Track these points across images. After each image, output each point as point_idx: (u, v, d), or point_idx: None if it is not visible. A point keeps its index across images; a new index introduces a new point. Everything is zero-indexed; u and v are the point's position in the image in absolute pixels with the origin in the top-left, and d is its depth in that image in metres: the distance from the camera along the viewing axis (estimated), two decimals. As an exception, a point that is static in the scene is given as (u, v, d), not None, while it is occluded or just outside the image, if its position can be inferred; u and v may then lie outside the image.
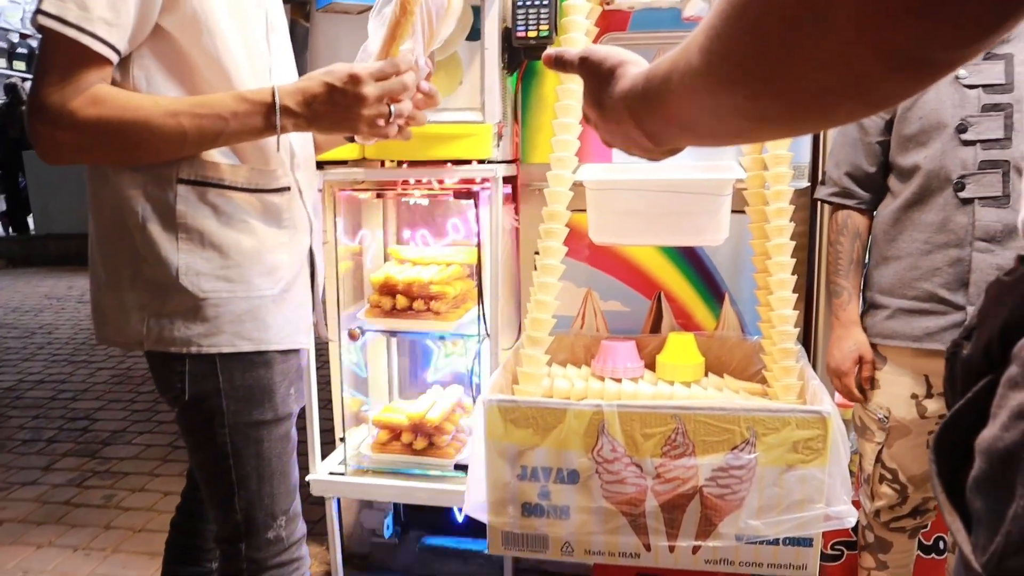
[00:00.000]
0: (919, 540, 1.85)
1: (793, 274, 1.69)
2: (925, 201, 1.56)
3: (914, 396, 1.64)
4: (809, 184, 1.89)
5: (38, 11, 0.96)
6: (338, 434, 2.03)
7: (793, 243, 1.69)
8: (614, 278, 1.99)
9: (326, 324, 1.64)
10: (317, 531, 2.27)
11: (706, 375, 1.82)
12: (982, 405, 0.48)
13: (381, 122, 1.10)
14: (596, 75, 0.63)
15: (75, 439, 3.45)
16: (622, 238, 1.77)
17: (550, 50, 0.75)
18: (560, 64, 0.70)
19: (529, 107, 1.94)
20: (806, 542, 1.50)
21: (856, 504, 1.61)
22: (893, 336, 1.64)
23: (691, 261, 1.96)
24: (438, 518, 2.24)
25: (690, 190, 1.64)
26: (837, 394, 1.76)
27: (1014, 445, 0.43)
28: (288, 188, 1.18)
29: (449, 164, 1.77)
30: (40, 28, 0.96)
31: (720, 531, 1.48)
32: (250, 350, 1.13)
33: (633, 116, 0.58)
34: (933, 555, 1.93)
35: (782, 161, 1.68)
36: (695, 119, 0.51)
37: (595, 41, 1.74)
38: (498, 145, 1.77)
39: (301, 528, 1.27)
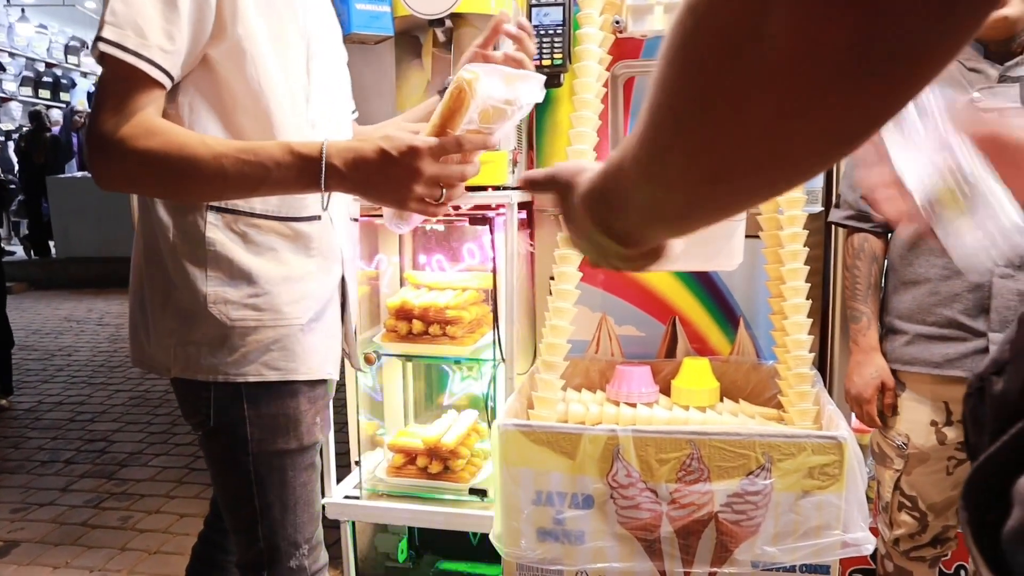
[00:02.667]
0: (940, 569, 1.82)
1: (808, 298, 1.69)
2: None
3: (933, 423, 1.62)
4: (823, 208, 1.89)
5: (98, 39, 0.97)
6: (353, 457, 2.03)
7: (807, 267, 1.70)
8: (629, 303, 2.00)
9: (360, 355, 1.59)
10: (332, 554, 2.26)
11: (721, 400, 1.81)
12: (1018, 446, 0.44)
13: (431, 203, 1.03)
14: (560, 190, 0.60)
15: (92, 460, 3.48)
16: (636, 263, 1.77)
17: (524, 174, 0.75)
18: (532, 185, 0.67)
19: (543, 133, 1.96)
20: (823, 569, 1.49)
21: (874, 531, 1.59)
22: (913, 362, 1.63)
23: (706, 286, 1.97)
24: (453, 542, 2.24)
25: (704, 215, 1.65)
26: (854, 418, 1.75)
27: None
28: (319, 216, 1.16)
29: (464, 190, 1.79)
30: (100, 56, 0.98)
31: (736, 557, 1.47)
32: (277, 380, 1.12)
33: (596, 220, 0.53)
34: (953, 584, 1.90)
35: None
36: (657, 200, 0.45)
37: (608, 68, 1.77)
38: (513, 171, 1.79)
39: (323, 557, 1.26)
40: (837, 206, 1.74)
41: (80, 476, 3.30)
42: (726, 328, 1.97)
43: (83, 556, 2.60)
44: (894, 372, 1.67)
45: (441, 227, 2.09)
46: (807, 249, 1.69)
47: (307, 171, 1.00)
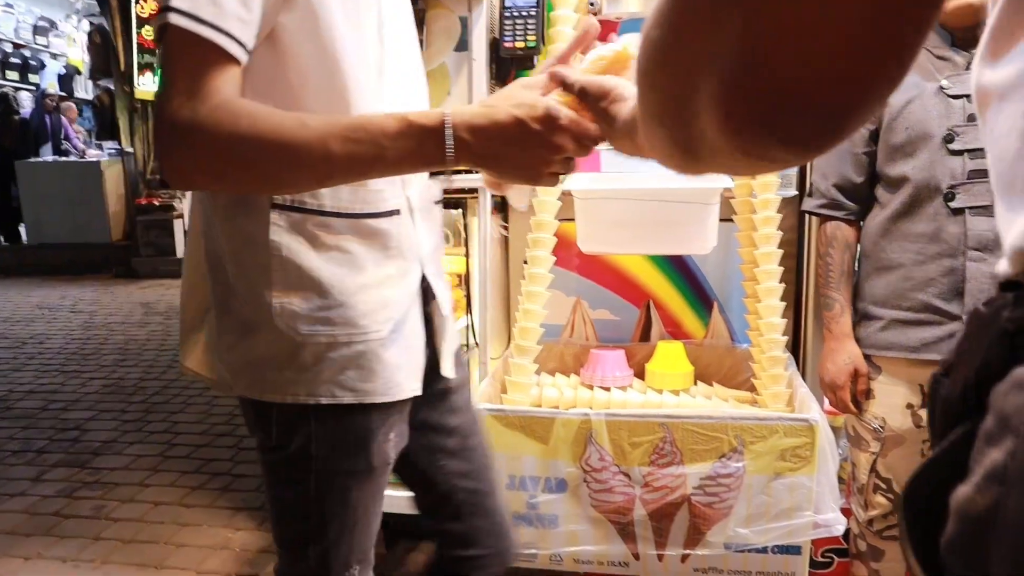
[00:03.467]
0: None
1: (781, 282, 1.70)
2: (915, 211, 1.56)
3: (909, 406, 1.64)
4: (797, 193, 1.90)
5: (167, 9, 0.83)
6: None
7: (781, 251, 1.70)
8: (603, 287, 1.99)
9: (463, 360, 1.30)
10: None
11: (695, 383, 1.82)
12: (959, 454, 0.44)
13: (558, 176, 0.90)
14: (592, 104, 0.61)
15: (65, 449, 3.43)
16: (611, 247, 1.77)
17: (559, 71, 0.75)
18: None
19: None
20: (795, 550, 1.50)
21: (846, 512, 1.61)
22: (889, 347, 1.64)
23: (680, 270, 1.97)
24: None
25: (678, 199, 1.65)
26: (827, 402, 1.76)
27: (987, 511, 0.40)
28: (397, 211, 1.00)
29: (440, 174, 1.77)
30: (165, 29, 0.84)
31: (708, 539, 1.48)
32: (351, 402, 0.99)
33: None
34: (923, 563, 1.93)
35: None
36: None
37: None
38: (487, 155, 1.77)
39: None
40: (810, 195, 1.75)
41: (52, 466, 3.25)
42: (700, 312, 1.98)
43: (56, 546, 2.57)
44: (869, 357, 1.68)
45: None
46: (780, 233, 1.69)
47: (427, 144, 0.86)
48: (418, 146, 0.86)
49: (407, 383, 1.03)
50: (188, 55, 0.84)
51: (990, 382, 0.42)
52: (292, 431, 1.00)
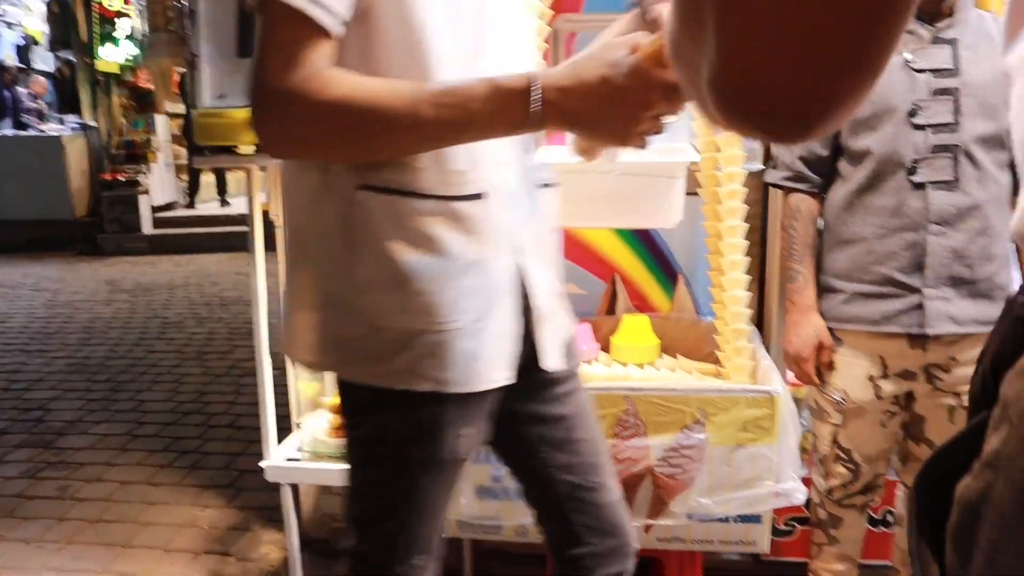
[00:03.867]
0: (869, 515, 1.89)
1: (746, 255, 1.71)
2: (878, 185, 1.58)
3: (870, 378, 1.66)
4: (763, 166, 1.90)
5: None
6: (294, 420, 2.01)
7: (746, 225, 1.71)
8: (569, 261, 1.99)
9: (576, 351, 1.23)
10: (274, 517, 2.26)
11: (661, 356, 1.83)
12: (968, 443, 0.44)
13: (647, 137, 0.88)
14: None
15: (28, 430, 3.38)
16: (577, 221, 1.77)
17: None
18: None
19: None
20: (756, 519, 1.53)
21: (807, 481, 1.64)
22: (851, 320, 1.66)
23: (646, 243, 1.97)
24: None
25: (644, 173, 1.65)
26: (790, 373, 1.78)
27: (978, 496, 0.40)
28: (481, 194, 0.97)
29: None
30: (262, 4, 0.86)
31: (671, 509, 1.50)
32: (426, 390, 0.97)
33: None
34: (881, 528, 1.98)
35: (734, 143, 1.69)
36: None
37: (549, 23, 1.73)
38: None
39: (433, 566, 1.14)
40: (774, 167, 1.75)
41: (15, 447, 3.21)
42: (666, 285, 1.99)
43: (19, 528, 2.54)
44: (831, 330, 1.70)
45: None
46: (746, 206, 1.70)
47: (515, 106, 0.85)
48: (506, 108, 0.85)
49: (487, 373, 1.00)
50: (285, 28, 0.85)
51: (1004, 369, 0.42)
52: (367, 413, 1.02)
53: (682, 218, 1.71)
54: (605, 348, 1.85)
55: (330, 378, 2.15)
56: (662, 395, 1.44)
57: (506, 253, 1.01)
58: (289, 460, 1.96)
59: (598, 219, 1.75)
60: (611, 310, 1.98)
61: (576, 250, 1.98)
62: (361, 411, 1.03)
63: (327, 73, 0.86)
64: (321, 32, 0.86)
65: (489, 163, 0.97)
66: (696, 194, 1.79)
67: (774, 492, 1.47)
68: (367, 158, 0.93)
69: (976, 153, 1.56)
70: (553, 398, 1.14)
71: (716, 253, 1.75)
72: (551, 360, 1.07)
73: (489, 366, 1.00)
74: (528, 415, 1.13)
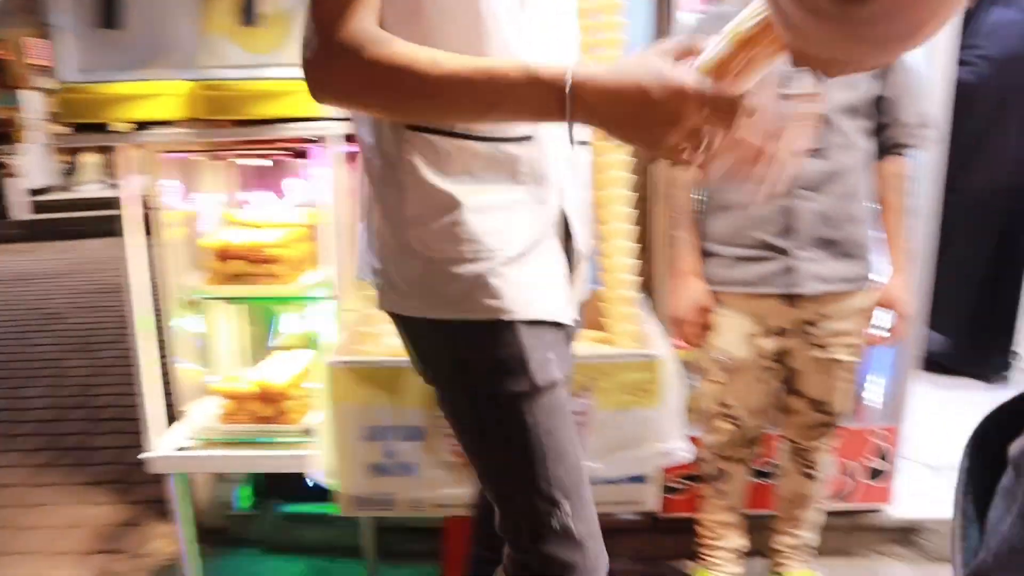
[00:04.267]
0: (752, 467, 1.99)
1: (632, 223, 1.74)
2: None
3: (750, 336, 1.74)
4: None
5: None
6: (179, 408, 1.94)
7: (631, 193, 1.74)
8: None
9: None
10: (165, 509, 2.18)
11: (552, 326, 1.85)
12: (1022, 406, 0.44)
13: (685, 152, 0.86)
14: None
15: None
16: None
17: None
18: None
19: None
20: (642, 479, 1.58)
21: (695, 440, 1.70)
22: (731, 283, 1.73)
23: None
24: (300, 485, 2.20)
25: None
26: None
27: None
28: (530, 137, 1.00)
29: (281, 123, 1.69)
30: None
31: (563, 475, 1.52)
32: (483, 319, 0.99)
33: None
34: (764, 479, 2.09)
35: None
36: None
37: None
38: (332, 101, 1.70)
39: (594, 521, 1.09)
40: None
41: None
42: (557, 256, 2.00)
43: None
44: (713, 293, 1.77)
45: (264, 162, 1.98)
46: (631, 175, 1.73)
47: (547, 98, 0.85)
48: (537, 98, 0.86)
49: (546, 305, 1.02)
50: None
51: None
52: (437, 353, 1.04)
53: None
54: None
55: (221, 361, 2.08)
56: (549, 363, 1.45)
57: (553, 194, 1.04)
58: (180, 450, 1.90)
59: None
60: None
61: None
62: (427, 352, 1.05)
63: (376, 31, 0.88)
64: None
65: None
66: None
67: (660, 452, 1.52)
68: (397, 119, 0.97)
69: (839, 121, 1.64)
70: (568, 356, 1.16)
71: (601, 222, 1.78)
72: (574, 311, 1.12)
73: (545, 297, 1.03)
74: None
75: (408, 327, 1.06)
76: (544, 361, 1.01)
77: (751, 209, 1.67)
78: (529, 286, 1.01)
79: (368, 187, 1.04)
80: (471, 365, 1.02)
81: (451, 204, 0.97)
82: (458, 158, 0.97)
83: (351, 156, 1.91)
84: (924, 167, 1.99)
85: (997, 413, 0.47)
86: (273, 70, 1.64)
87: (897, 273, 1.74)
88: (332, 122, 1.71)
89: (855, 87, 1.64)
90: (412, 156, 0.97)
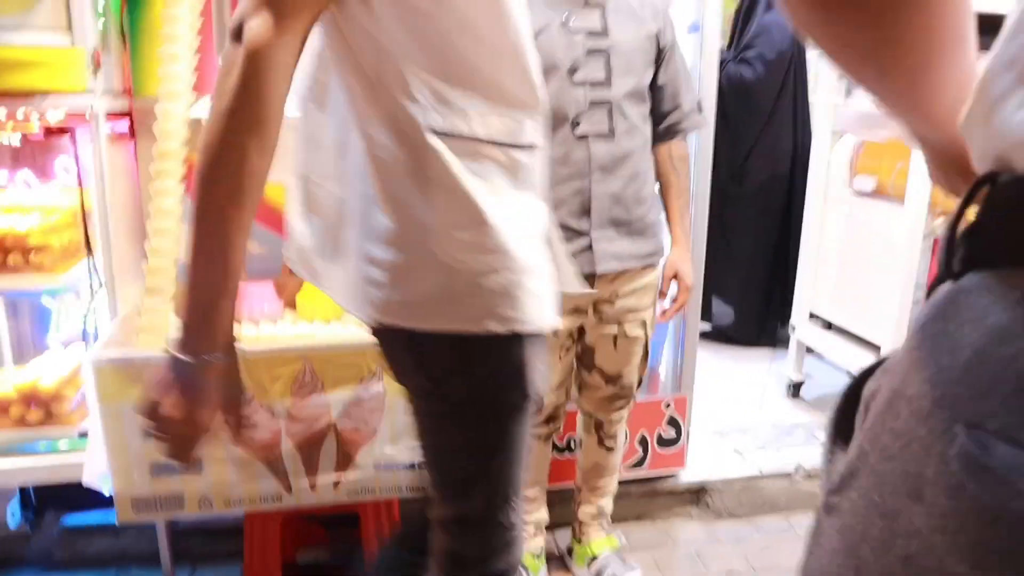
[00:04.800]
0: (554, 443, 2.07)
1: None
2: (550, 137, 1.68)
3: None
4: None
5: None
6: (-74, 418, 1.72)
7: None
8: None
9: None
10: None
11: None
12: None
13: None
14: None
15: None
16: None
17: None
18: None
19: (140, 33, 1.73)
20: (439, 460, 1.59)
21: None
22: None
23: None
24: (83, 494, 2.02)
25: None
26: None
27: (870, 395, 0.50)
28: (534, 145, 1.01)
29: (35, 96, 1.52)
30: None
31: (358, 463, 1.51)
32: (504, 331, 0.96)
33: None
34: (565, 454, 2.17)
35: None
36: None
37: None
38: (96, 75, 1.56)
39: (522, 508, 1.14)
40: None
41: None
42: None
43: None
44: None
45: (19, 140, 1.78)
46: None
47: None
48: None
49: (549, 314, 1.03)
50: None
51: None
52: (446, 365, 0.98)
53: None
54: (292, 306, 1.80)
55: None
56: (336, 352, 1.43)
57: (543, 202, 1.06)
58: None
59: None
60: (299, 268, 1.93)
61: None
62: (435, 364, 0.99)
63: (280, 58, 0.81)
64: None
65: (535, 117, 1.03)
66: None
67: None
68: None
69: (625, 107, 1.72)
70: None
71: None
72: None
73: (550, 306, 1.04)
74: None
75: (411, 340, 0.99)
76: (535, 372, 1.04)
77: (550, 191, 1.72)
78: (539, 296, 1.02)
79: (371, 190, 0.96)
80: (479, 377, 1.00)
81: (479, 211, 0.95)
82: (480, 166, 0.96)
83: (119, 136, 1.76)
84: (698, 149, 2.14)
85: (876, 365, 0.55)
86: (20, 35, 1.47)
87: (677, 246, 1.87)
88: (98, 98, 1.56)
89: (636, 74, 1.73)
90: (442, 152, 0.93)
